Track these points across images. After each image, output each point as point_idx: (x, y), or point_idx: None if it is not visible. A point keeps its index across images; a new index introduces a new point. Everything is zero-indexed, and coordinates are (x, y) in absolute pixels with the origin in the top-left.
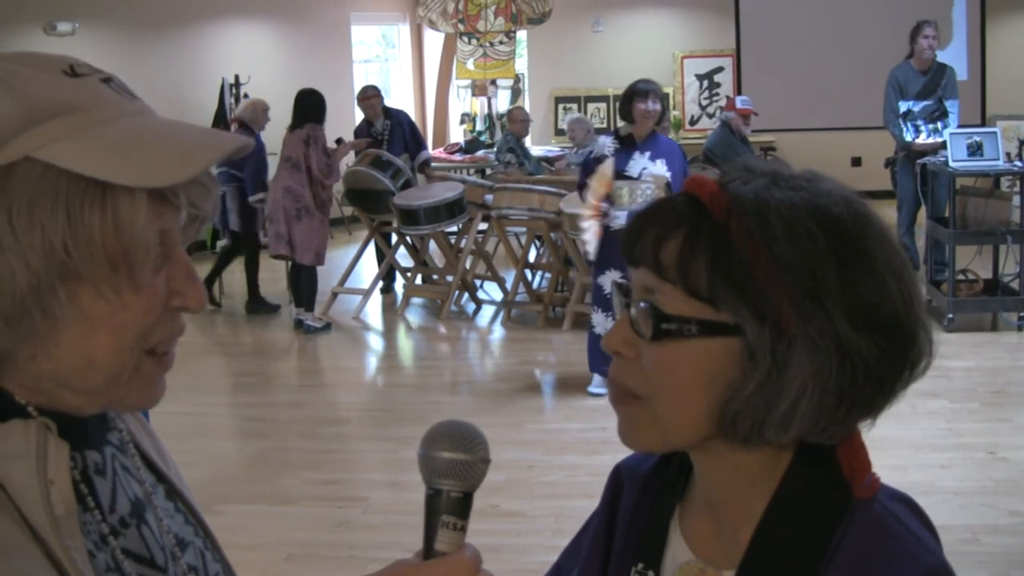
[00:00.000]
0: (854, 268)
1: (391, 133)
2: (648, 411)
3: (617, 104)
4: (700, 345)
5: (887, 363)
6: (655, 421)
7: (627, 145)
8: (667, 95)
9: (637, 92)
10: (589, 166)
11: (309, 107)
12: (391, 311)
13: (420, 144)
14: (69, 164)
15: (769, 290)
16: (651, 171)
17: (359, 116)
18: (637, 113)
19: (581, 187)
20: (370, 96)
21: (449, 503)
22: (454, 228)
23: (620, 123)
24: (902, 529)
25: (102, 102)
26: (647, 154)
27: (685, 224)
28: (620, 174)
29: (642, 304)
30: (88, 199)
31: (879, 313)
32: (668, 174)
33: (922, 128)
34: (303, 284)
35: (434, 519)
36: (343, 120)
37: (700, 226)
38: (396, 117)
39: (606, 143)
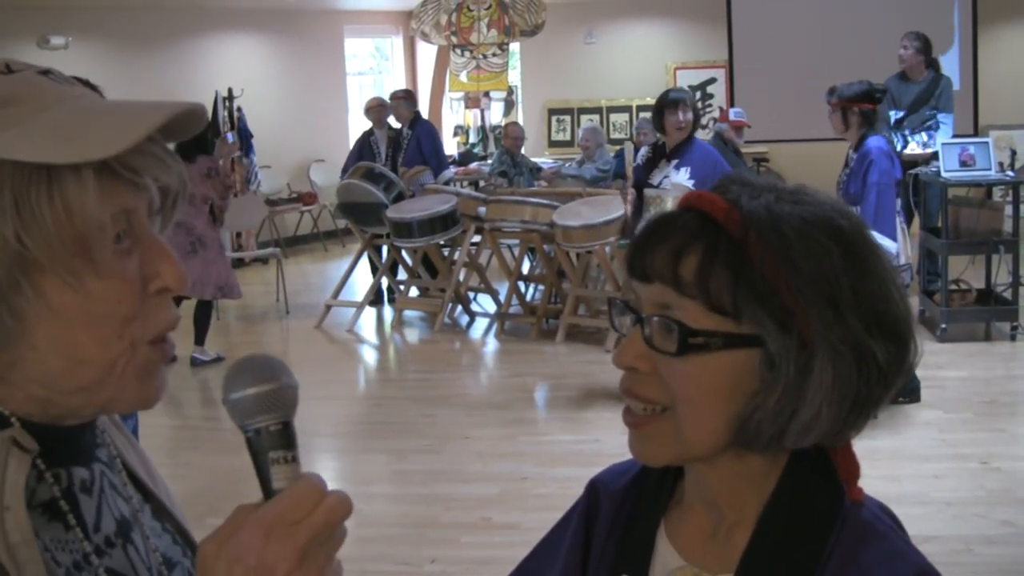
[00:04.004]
0: (864, 277)
1: (408, 143)
2: (669, 425)
3: (607, 115)
4: (724, 358)
5: (894, 365)
6: (675, 435)
7: (658, 154)
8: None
9: (667, 103)
10: (635, 174)
11: (203, 137)
12: (384, 323)
13: (443, 163)
14: (10, 154)
15: (791, 302)
16: (672, 180)
17: (353, 128)
18: (668, 125)
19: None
20: (395, 98)
21: (271, 438)
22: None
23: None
24: (891, 532)
25: (40, 91)
26: (673, 163)
27: (701, 240)
28: (644, 183)
29: (656, 319)
30: (34, 185)
31: (887, 318)
32: (690, 183)
33: (909, 138)
34: (199, 318)
35: (263, 460)
36: (337, 133)
37: (717, 242)
38: (419, 129)
39: (642, 153)
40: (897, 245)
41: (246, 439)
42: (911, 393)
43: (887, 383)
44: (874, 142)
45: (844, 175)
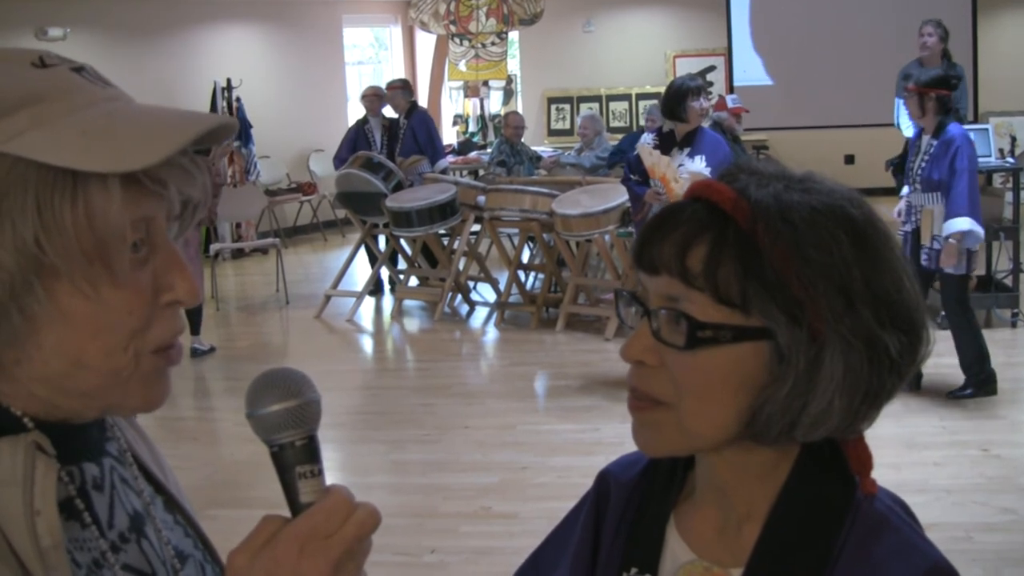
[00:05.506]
0: (875, 266)
1: (404, 133)
2: (673, 417)
3: (607, 104)
4: (733, 351)
5: (907, 356)
6: (680, 427)
7: (667, 142)
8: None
9: (692, 90)
10: (632, 164)
11: None
12: (384, 313)
13: (439, 152)
14: (37, 155)
15: (801, 293)
16: (688, 168)
17: (352, 118)
18: (693, 112)
19: (625, 181)
20: (392, 87)
21: (297, 453)
22: (445, 230)
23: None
24: (904, 524)
25: (71, 91)
26: (686, 151)
27: (709, 231)
28: None
29: (663, 312)
30: (58, 190)
31: (900, 309)
32: (707, 170)
33: None
34: (190, 310)
35: (289, 475)
36: (336, 122)
37: (725, 233)
38: (413, 118)
39: (647, 140)
40: (983, 232)
41: (271, 454)
42: (911, 380)
43: (900, 374)
44: (956, 128)
45: (923, 161)
